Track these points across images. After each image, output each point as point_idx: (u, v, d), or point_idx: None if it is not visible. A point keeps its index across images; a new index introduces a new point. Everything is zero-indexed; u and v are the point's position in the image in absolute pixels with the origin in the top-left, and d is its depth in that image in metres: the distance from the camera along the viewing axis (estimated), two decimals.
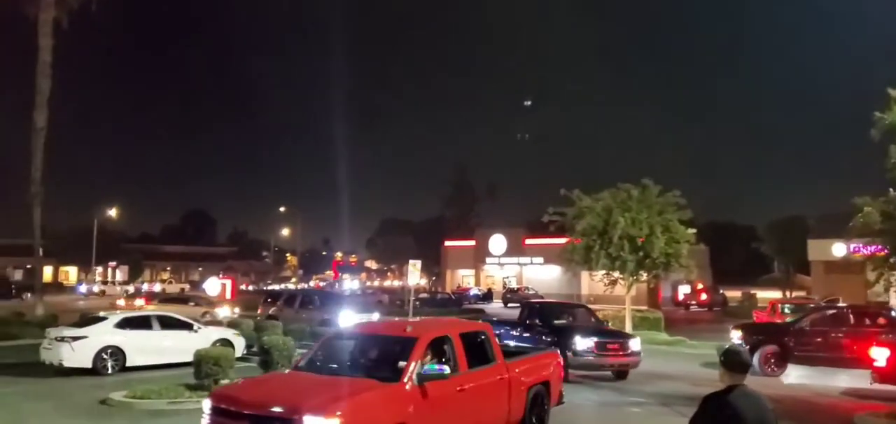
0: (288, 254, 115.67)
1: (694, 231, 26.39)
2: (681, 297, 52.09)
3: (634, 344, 15.97)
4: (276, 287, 75.40)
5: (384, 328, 9.86)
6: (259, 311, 28.64)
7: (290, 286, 77.75)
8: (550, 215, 26.38)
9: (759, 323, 20.59)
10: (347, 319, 23.54)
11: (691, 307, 50.45)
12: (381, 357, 8.49)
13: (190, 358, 14.09)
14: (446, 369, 8.02)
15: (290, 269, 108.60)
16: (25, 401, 12.33)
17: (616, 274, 25.34)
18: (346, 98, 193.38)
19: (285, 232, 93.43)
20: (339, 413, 6.74)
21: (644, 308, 37.26)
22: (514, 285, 61.31)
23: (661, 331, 26.30)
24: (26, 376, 15.08)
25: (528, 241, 63.01)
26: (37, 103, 27.89)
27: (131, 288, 64.93)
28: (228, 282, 55.66)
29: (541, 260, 61.55)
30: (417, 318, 22.06)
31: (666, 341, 24.57)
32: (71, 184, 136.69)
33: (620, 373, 15.84)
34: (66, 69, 29.73)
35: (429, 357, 8.20)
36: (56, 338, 15.81)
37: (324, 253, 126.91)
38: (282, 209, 79.04)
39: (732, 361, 4.73)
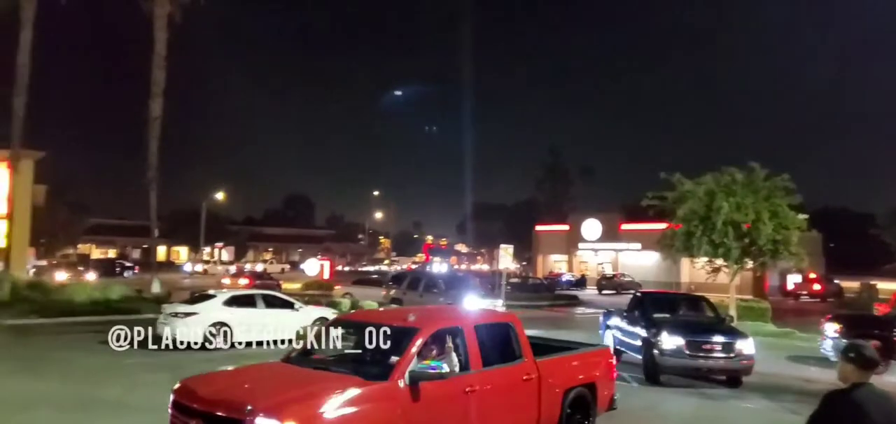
0: (381, 237, 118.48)
1: (805, 217, 24.77)
2: (790, 287, 49.12)
3: (743, 346, 13.23)
4: (391, 268, 76.82)
5: (384, 316, 8.45)
6: (383, 293, 27.88)
7: (391, 268, 79.59)
8: (649, 199, 25.49)
9: (859, 315, 19.00)
10: (472, 304, 22.52)
11: (802, 297, 47.49)
12: (377, 350, 7.22)
13: (291, 336, 14.68)
14: (445, 367, 7.04)
15: (383, 251, 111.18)
16: (143, 372, 13.29)
17: (719, 262, 24.21)
18: (439, 83, 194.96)
19: (379, 215, 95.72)
20: (293, 416, 5.75)
21: (749, 297, 35.46)
22: (609, 271, 59.90)
23: (768, 322, 24.89)
24: (144, 348, 16.10)
25: (625, 226, 61.40)
26: (152, 93, 29.66)
27: (233, 268, 68.37)
28: (326, 263, 57.89)
29: (637, 245, 59.84)
30: (499, 304, 22.11)
31: (773, 332, 23.26)
32: (182, 169, 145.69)
33: (732, 379, 13.56)
34: (179, 60, 31.46)
35: (433, 352, 7.24)
36: (170, 314, 16.91)
37: (415, 236, 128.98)
38: (376, 193, 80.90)
39: (859, 357, 4.33)
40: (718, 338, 13.43)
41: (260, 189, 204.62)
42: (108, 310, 23.64)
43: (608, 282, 52.35)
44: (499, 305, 24.24)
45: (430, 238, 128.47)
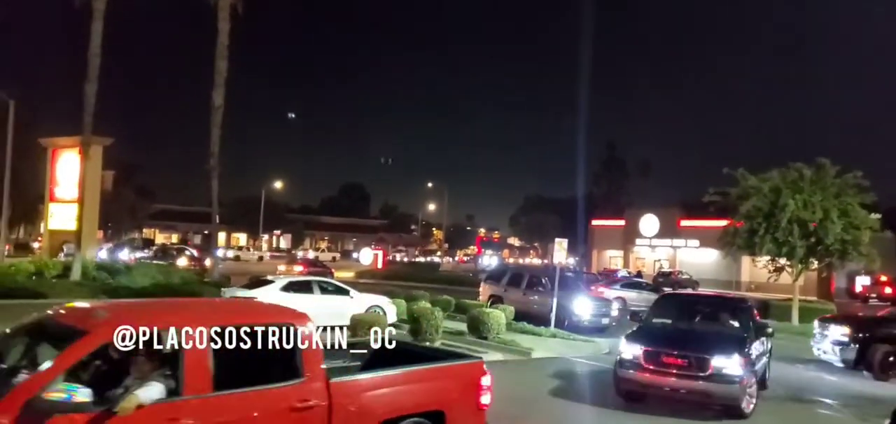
0: (434, 229, 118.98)
1: (878, 216, 23.71)
2: (858, 289, 47.02)
3: (725, 364, 9.81)
4: (443, 260, 76.71)
5: (63, 315, 5.65)
6: (481, 291, 25.09)
7: (443, 259, 79.89)
8: (711, 195, 24.87)
9: (872, 317, 17.74)
10: (584, 308, 20.87)
11: (871, 300, 45.37)
12: (32, 358, 5.28)
13: (345, 322, 14.89)
14: (81, 396, 4.62)
15: (436, 243, 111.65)
16: None
17: (782, 261, 23.48)
18: (492, 74, 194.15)
19: (432, 207, 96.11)
20: None
21: (813, 298, 34.15)
22: (666, 268, 58.57)
23: None
24: None
25: (684, 223, 59.94)
26: (215, 83, 30.47)
27: (266, 253, 69.59)
28: (379, 253, 58.62)
29: (696, 242, 58.35)
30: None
31: None
32: (244, 158, 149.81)
33: (728, 409, 10.13)
34: (239, 50, 32.25)
35: (106, 368, 5.21)
36: (232, 298, 17.38)
37: (467, 228, 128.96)
38: (429, 184, 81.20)
39: None
40: (688, 351, 10.07)
41: (317, 178, 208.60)
42: (170, 293, 24.52)
43: (665, 280, 51.13)
44: (615, 308, 22.22)
45: (482, 230, 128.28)
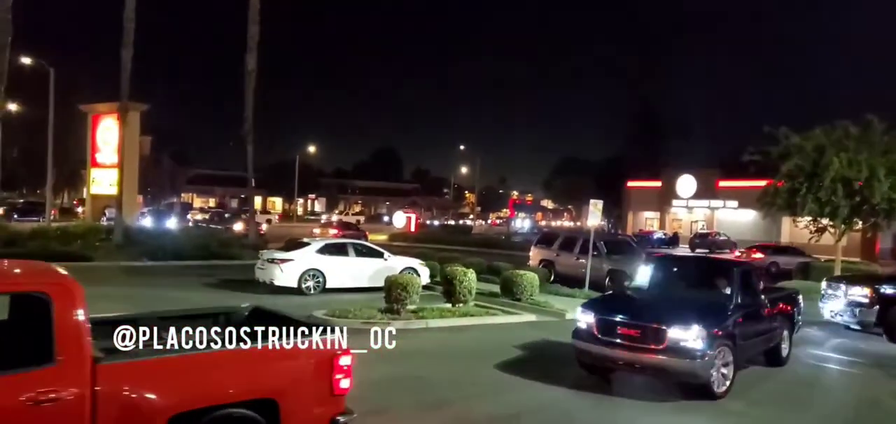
0: (466, 192, 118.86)
1: None
2: None
3: (684, 335, 8.50)
4: (476, 223, 76.66)
5: None
6: (531, 255, 24.04)
7: (476, 222, 79.94)
8: (751, 155, 24.18)
9: (889, 275, 16.77)
10: (644, 273, 20.00)
11: None
12: None
13: (380, 284, 15.00)
14: None
15: (468, 206, 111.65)
16: None
17: (825, 221, 22.79)
18: (524, 36, 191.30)
19: (464, 170, 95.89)
20: None
21: (857, 259, 33.29)
22: (703, 229, 57.67)
23: None
24: (244, 291, 17.14)
25: (722, 183, 58.80)
26: (248, 47, 30.61)
27: (275, 217, 70.16)
28: (412, 216, 58.87)
29: (735, 203, 57.30)
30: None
31: None
32: (278, 122, 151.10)
33: (700, 388, 8.79)
34: (271, 15, 32.22)
35: None
36: (268, 260, 17.69)
37: (500, 191, 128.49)
38: (461, 147, 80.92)
39: None
40: (642, 321, 8.90)
41: (350, 142, 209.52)
42: (210, 255, 25.10)
43: (701, 241, 50.36)
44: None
45: (515, 193, 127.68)
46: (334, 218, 75.53)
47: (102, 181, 33.74)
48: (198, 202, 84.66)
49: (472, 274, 15.66)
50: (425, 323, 13.44)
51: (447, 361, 10.73)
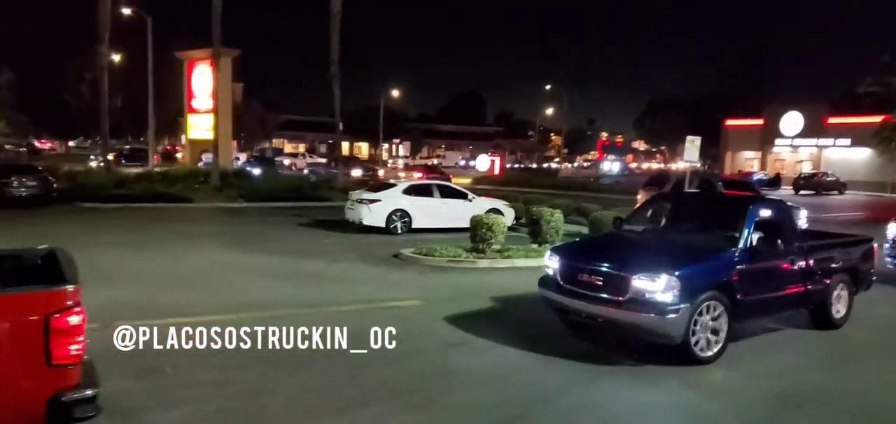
0: (552, 134, 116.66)
1: None
2: None
3: (651, 286, 6.99)
4: (562, 166, 75.33)
5: None
6: (638, 199, 21.45)
7: (562, 165, 78.44)
8: (869, 86, 22.15)
9: None
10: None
11: None
12: None
13: (464, 224, 14.86)
14: None
15: (554, 149, 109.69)
16: (339, 250, 14.43)
17: None
18: None
19: (549, 111, 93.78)
20: None
21: None
22: (809, 170, 54.07)
23: None
24: (335, 230, 17.56)
25: (832, 119, 54.67)
26: None
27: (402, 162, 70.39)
28: (497, 159, 58.36)
29: (846, 141, 53.22)
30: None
31: None
32: (361, 67, 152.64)
33: (679, 351, 7.14)
34: None
35: None
36: (357, 200, 17.93)
37: (588, 133, 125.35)
38: (548, 87, 78.89)
39: None
40: (605, 267, 7.48)
41: (433, 86, 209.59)
42: (301, 197, 25.79)
43: (807, 182, 47.19)
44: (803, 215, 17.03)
45: (604, 135, 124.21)
46: (400, 163, 75.97)
47: (199, 126, 35.11)
48: (288, 147, 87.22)
49: (559, 214, 15.23)
50: (511, 262, 13.19)
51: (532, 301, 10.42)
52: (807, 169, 54.63)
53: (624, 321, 7.16)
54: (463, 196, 18.84)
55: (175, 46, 37.46)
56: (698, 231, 8.71)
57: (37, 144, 67.42)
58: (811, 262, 8.40)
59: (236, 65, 36.93)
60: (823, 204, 34.02)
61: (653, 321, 6.91)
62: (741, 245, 7.59)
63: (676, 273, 6.95)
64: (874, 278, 9.74)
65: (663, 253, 7.60)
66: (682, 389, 6.56)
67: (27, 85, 60.90)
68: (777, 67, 75.06)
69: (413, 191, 18.26)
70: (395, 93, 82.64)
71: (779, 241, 7.97)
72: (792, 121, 57.46)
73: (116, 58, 41.65)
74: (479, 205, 18.21)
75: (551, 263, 8.11)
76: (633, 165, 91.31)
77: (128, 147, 54.94)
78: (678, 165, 19.80)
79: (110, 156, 34.58)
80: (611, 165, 67.33)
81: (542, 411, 5.83)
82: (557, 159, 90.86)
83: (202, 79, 34.18)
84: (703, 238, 8.28)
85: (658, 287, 6.94)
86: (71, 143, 71.83)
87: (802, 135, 57.14)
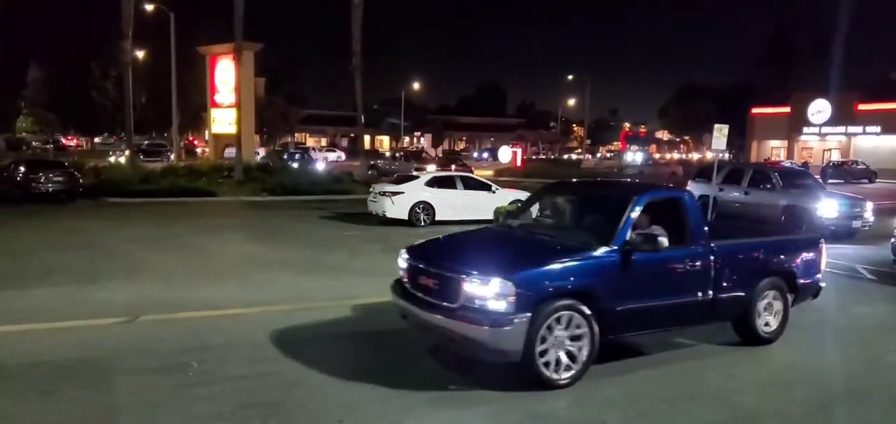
0: (574, 125, 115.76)
1: None
2: None
3: (483, 292, 5.65)
4: (585, 156, 74.73)
5: None
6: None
7: (585, 156, 77.86)
8: None
9: None
10: (829, 208, 16.84)
11: None
12: None
13: (488, 216, 14.66)
14: None
15: (577, 139, 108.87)
16: (362, 243, 14.39)
17: None
18: None
19: (571, 102, 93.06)
20: None
21: None
22: (837, 158, 52.99)
23: None
24: (358, 223, 17.52)
25: (862, 106, 53.52)
26: None
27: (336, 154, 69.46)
28: (518, 150, 58.00)
29: (876, 129, 52.12)
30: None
31: None
32: (382, 60, 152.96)
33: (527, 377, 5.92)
34: None
35: None
36: (379, 193, 17.84)
37: (611, 123, 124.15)
38: (570, 77, 78.21)
39: None
40: (440, 267, 6.21)
41: (454, 77, 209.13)
42: (324, 191, 25.86)
43: (835, 171, 46.26)
44: (869, 207, 17.21)
45: (627, 125, 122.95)
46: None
47: (222, 120, 35.29)
48: (310, 141, 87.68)
49: None
50: None
51: None
52: (836, 157, 53.60)
53: (455, 333, 5.81)
54: (486, 187, 18.68)
55: (198, 41, 37.70)
56: (574, 226, 7.32)
57: (63, 141, 68.54)
58: (721, 265, 6.80)
59: (258, 59, 37.07)
60: (854, 193, 33.24)
61: (483, 333, 5.57)
62: (614, 243, 6.18)
63: (513, 276, 5.64)
64: (822, 285, 8.00)
65: (509, 252, 6.47)
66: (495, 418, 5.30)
67: (54, 82, 61.99)
68: (805, 55, 73.24)
69: (436, 183, 18.14)
70: (416, 85, 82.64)
71: (665, 239, 6.38)
72: (819, 109, 56.36)
73: (140, 54, 42.07)
74: (503, 196, 18.05)
75: (400, 263, 6.82)
76: (657, 155, 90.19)
77: (146, 142, 55.60)
78: (705, 155, 19.13)
79: (127, 152, 34.90)
80: (634, 156, 66.37)
81: None
82: (579, 150, 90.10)
83: (225, 74, 34.35)
84: (573, 234, 6.80)
85: (489, 292, 5.62)
86: (96, 140, 72.86)
87: (830, 123, 56.01)
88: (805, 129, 57.72)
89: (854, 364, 7.03)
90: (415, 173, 20.11)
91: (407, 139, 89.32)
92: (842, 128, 55.47)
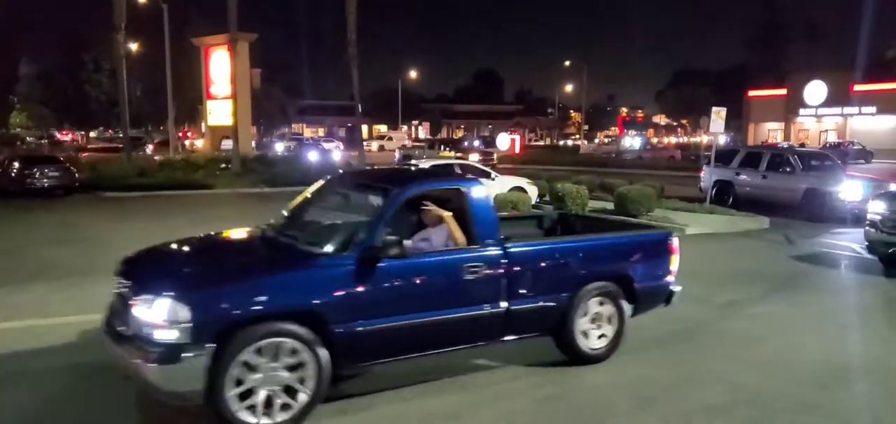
0: (571, 111, 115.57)
1: None
2: None
3: (151, 315, 4.42)
4: (582, 143, 74.60)
5: None
6: (701, 177, 20.46)
7: (582, 141, 77.71)
8: None
9: None
10: (853, 191, 16.41)
11: None
12: None
13: None
14: None
15: (574, 125, 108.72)
16: None
17: None
18: None
19: (568, 88, 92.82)
20: None
21: None
22: (833, 139, 53.02)
23: None
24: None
25: (858, 87, 53.45)
26: None
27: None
28: (516, 137, 57.92)
29: (872, 109, 52.11)
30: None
31: None
32: (378, 49, 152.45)
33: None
34: None
35: None
36: None
37: (608, 109, 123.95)
38: (567, 63, 78.05)
39: None
40: (130, 278, 4.97)
41: (451, 65, 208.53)
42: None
43: (832, 152, 46.28)
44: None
45: (624, 110, 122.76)
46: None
47: (218, 112, 35.21)
48: (307, 132, 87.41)
49: (584, 191, 15.04)
50: None
51: None
52: (832, 138, 53.64)
53: (131, 366, 4.52)
54: (486, 175, 18.62)
55: (192, 33, 37.52)
56: (328, 228, 5.92)
57: (58, 136, 68.29)
58: (518, 269, 5.60)
59: (254, 50, 36.92)
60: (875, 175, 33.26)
61: (152, 372, 4.34)
62: (356, 248, 4.99)
63: (188, 294, 4.44)
64: (675, 289, 6.63)
65: (204, 263, 5.33)
66: None
67: (48, 77, 61.68)
68: (799, 35, 73.11)
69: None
70: (413, 73, 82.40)
71: (411, 243, 5.62)
72: (815, 90, 56.28)
73: (134, 47, 41.84)
74: (502, 183, 18.01)
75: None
76: (655, 140, 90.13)
77: (121, 135, 55.55)
78: (711, 131, 18.89)
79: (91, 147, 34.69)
80: (632, 141, 66.23)
81: None
82: (576, 136, 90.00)
83: (220, 65, 34.24)
84: (322, 237, 5.48)
85: (156, 316, 4.38)
86: (92, 134, 72.63)
87: (826, 104, 55.95)
88: (801, 111, 57.68)
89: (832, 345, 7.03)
90: (414, 161, 20.06)
91: (404, 128, 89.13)
92: (838, 109, 55.46)
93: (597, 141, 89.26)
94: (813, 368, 6.25)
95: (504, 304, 5.53)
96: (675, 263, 6.59)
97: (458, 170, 18.60)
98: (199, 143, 42.88)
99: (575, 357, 6.08)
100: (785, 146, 50.30)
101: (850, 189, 16.54)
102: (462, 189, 5.79)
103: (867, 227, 10.77)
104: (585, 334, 6.09)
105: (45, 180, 21.20)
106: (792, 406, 5.34)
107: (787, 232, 14.81)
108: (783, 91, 58.91)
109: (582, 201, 14.68)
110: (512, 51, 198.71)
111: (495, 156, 38.46)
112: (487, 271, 5.45)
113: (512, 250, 5.60)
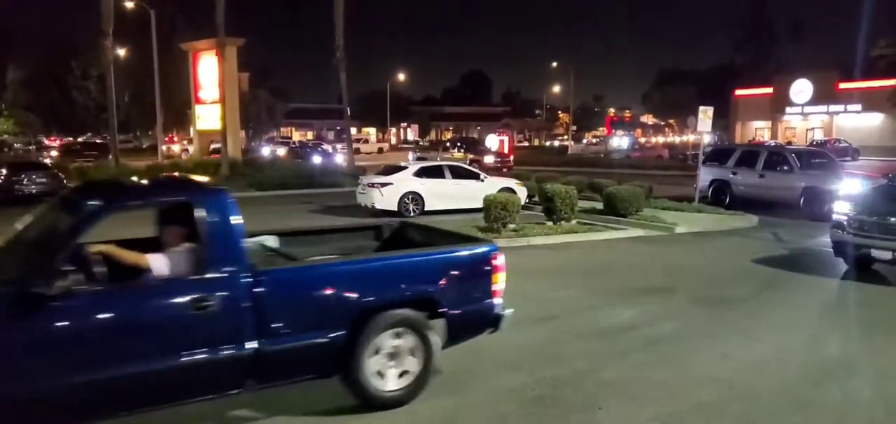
0: (559, 112, 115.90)
1: None
2: None
3: None
4: (570, 143, 74.84)
5: None
6: (699, 176, 19.66)
7: (569, 142, 77.94)
8: (882, 48, 21.72)
9: None
10: (852, 189, 15.55)
11: None
12: None
13: (477, 205, 14.80)
14: None
15: (562, 126, 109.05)
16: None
17: None
18: None
19: (556, 89, 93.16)
20: None
21: None
22: (820, 137, 53.54)
23: None
24: (347, 216, 17.43)
25: (843, 85, 53.99)
26: None
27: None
28: (506, 138, 58.08)
29: (857, 107, 52.61)
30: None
31: None
32: (366, 52, 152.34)
33: None
34: None
35: None
36: (368, 184, 17.85)
37: (596, 109, 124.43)
38: (554, 65, 78.35)
39: None
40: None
41: (438, 68, 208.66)
42: (313, 184, 25.79)
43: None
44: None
45: (612, 110, 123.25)
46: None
47: (207, 117, 35.06)
48: (296, 135, 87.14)
49: (573, 191, 15.13)
50: (527, 241, 13.09)
51: (560, 276, 10.33)
52: (819, 136, 54.16)
53: None
54: (475, 176, 18.75)
55: (180, 37, 37.40)
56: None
57: (46, 142, 67.71)
58: (275, 300, 4.63)
59: (241, 54, 36.84)
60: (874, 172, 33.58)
61: None
62: (19, 284, 3.92)
63: None
64: (503, 313, 5.63)
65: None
66: None
67: (35, 82, 61.19)
68: (787, 33, 73.79)
69: (424, 172, 18.18)
70: (401, 76, 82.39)
71: (165, 264, 4.71)
72: (801, 88, 56.82)
73: (122, 52, 41.64)
74: (492, 184, 18.08)
75: None
76: (643, 140, 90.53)
77: (81, 140, 55.65)
78: (688, 138, 19.17)
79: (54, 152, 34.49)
80: (620, 141, 66.59)
81: None
82: (564, 136, 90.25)
83: (208, 70, 34.11)
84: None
85: None
86: (79, 140, 72.08)
87: (813, 102, 56.49)
88: (788, 109, 58.20)
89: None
90: (403, 163, 20.12)
91: (393, 130, 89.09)
92: (824, 107, 55.99)
93: (585, 141, 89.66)
94: (806, 366, 6.36)
95: (252, 345, 4.46)
96: (499, 282, 5.54)
97: (448, 170, 18.65)
98: (191, 149, 42.57)
99: (366, 402, 4.96)
100: (773, 144, 50.87)
101: (849, 187, 16.61)
102: (189, 203, 4.73)
103: (833, 228, 10.16)
104: (381, 374, 4.99)
105: (33, 187, 21.07)
106: (785, 403, 5.43)
107: (776, 230, 14.99)
108: (769, 90, 59.44)
109: (571, 202, 14.76)
110: (500, 52, 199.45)
111: (512, 159, 38.51)
112: (224, 303, 4.39)
113: (266, 276, 4.63)
